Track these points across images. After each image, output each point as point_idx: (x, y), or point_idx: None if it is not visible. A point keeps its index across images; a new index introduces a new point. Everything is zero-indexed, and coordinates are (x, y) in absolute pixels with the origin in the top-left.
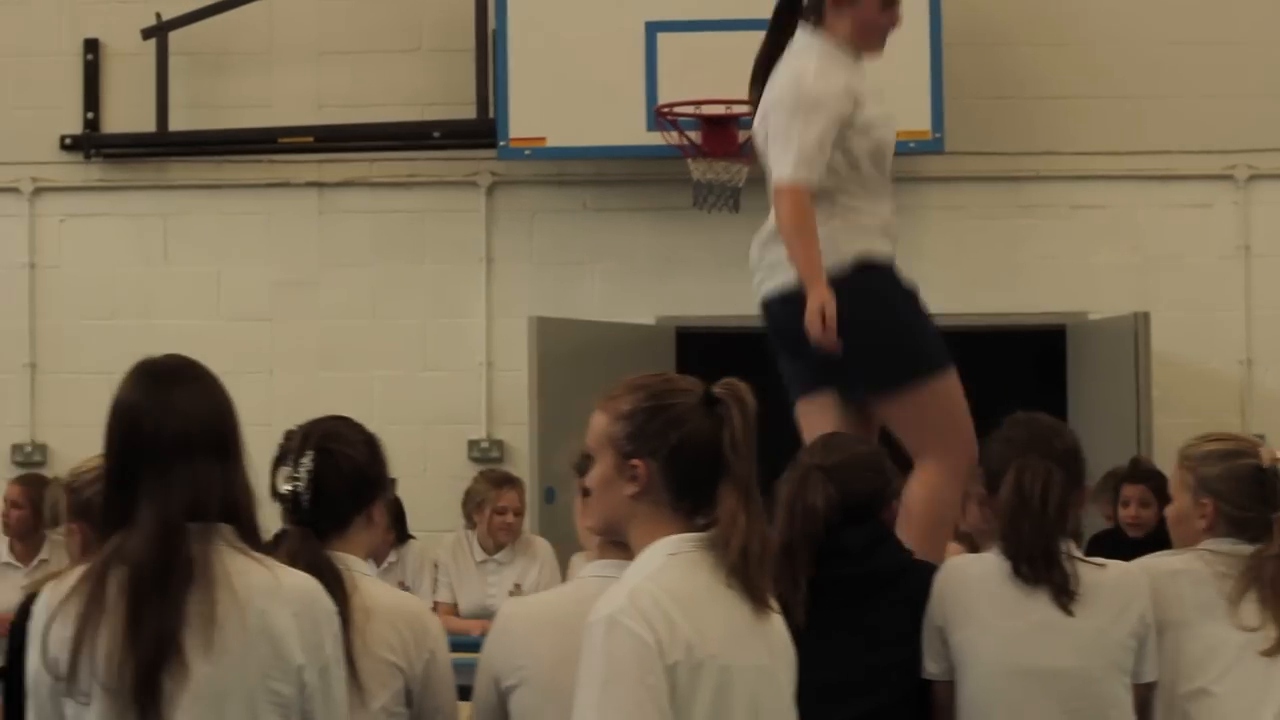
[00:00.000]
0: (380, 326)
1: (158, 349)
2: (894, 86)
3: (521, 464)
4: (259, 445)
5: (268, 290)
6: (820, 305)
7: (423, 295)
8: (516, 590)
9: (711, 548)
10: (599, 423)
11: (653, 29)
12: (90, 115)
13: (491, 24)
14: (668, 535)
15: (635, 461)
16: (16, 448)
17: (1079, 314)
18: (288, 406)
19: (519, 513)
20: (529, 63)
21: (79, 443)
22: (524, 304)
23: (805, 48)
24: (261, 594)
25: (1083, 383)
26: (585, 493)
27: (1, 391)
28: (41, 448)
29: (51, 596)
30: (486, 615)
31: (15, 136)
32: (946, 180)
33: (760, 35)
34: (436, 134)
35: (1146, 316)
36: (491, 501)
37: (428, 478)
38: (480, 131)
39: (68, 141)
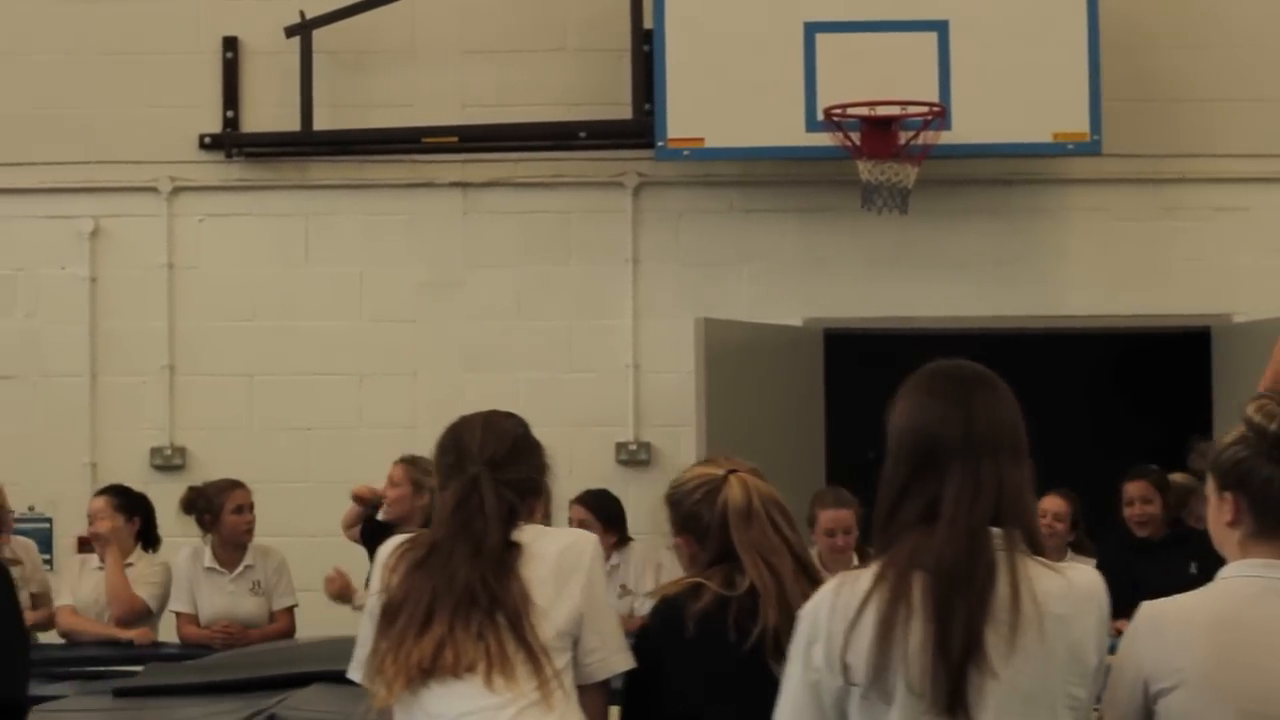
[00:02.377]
0: (525, 328)
1: (298, 351)
2: (1052, 89)
3: (669, 466)
4: (403, 448)
5: (411, 291)
6: None
7: (568, 296)
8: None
9: None
10: None
11: (811, 29)
12: (230, 114)
13: (646, 24)
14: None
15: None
16: (155, 450)
17: (1223, 316)
18: (431, 409)
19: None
20: (686, 63)
21: (218, 446)
22: (671, 305)
23: None
24: (1057, 599)
25: (1227, 385)
26: None
27: (140, 394)
28: (180, 450)
29: (840, 600)
30: None
31: (154, 135)
32: (1092, 182)
33: (917, 37)
34: (583, 134)
35: None
36: None
37: (575, 480)
38: (629, 132)
39: (207, 140)
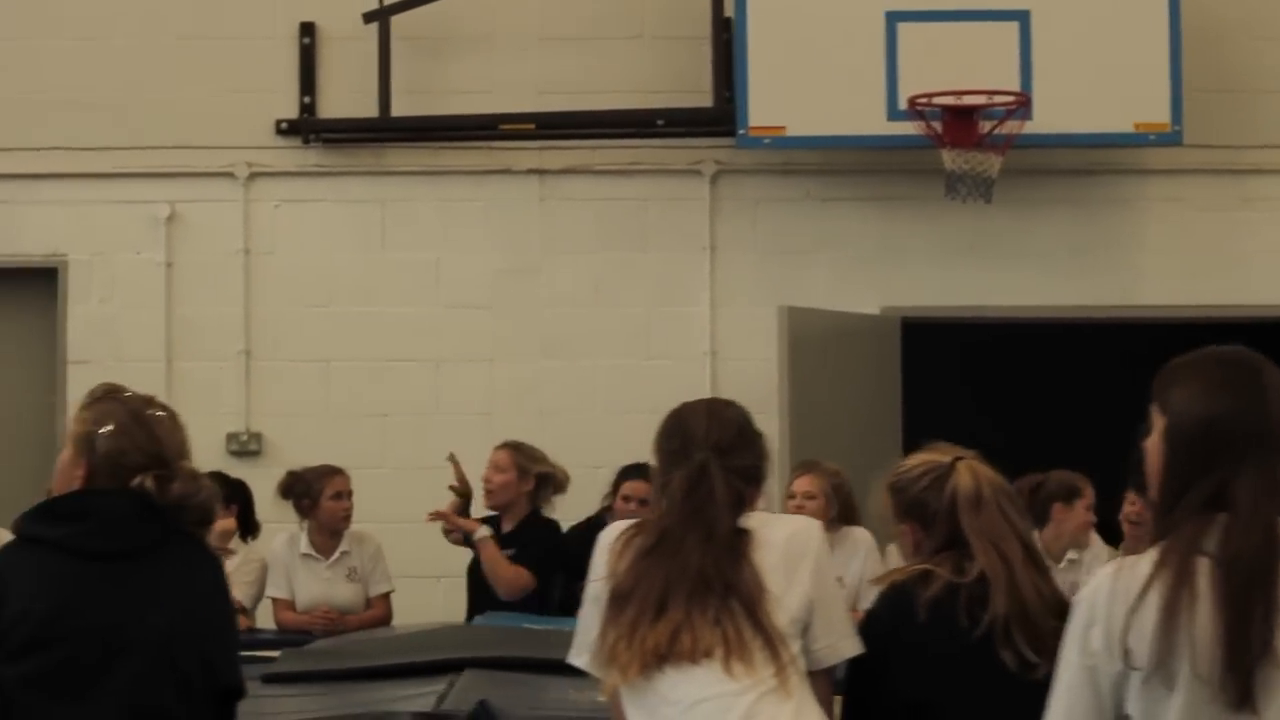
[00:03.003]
0: (603, 315)
1: (375, 337)
2: (1133, 79)
3: None
4: (480, 435)
5: (488, 278)
6: None
7: (646, 283)
8: (839, 583)
9: None
10: None
11: (893, 18)
12: (306, 99)
13: (726, 12)
14: None
15: None
16: (231, 436)
17: None
18: (508, 396)
19: (810, 497)
20: (768, 52)
21: (294, 431)
22: (748, 293)
23: None
24: None
25: None
26: None
27: (216, 379)
28: (256, 436)
29: (1120, 584)
30: None
31: (230, 120)
32: (1170, 173)
33: (999, 26)
34: (661, 121)
35: None
36: (786, 487)
37: None
38: (708, 119)
39: (283, 126)
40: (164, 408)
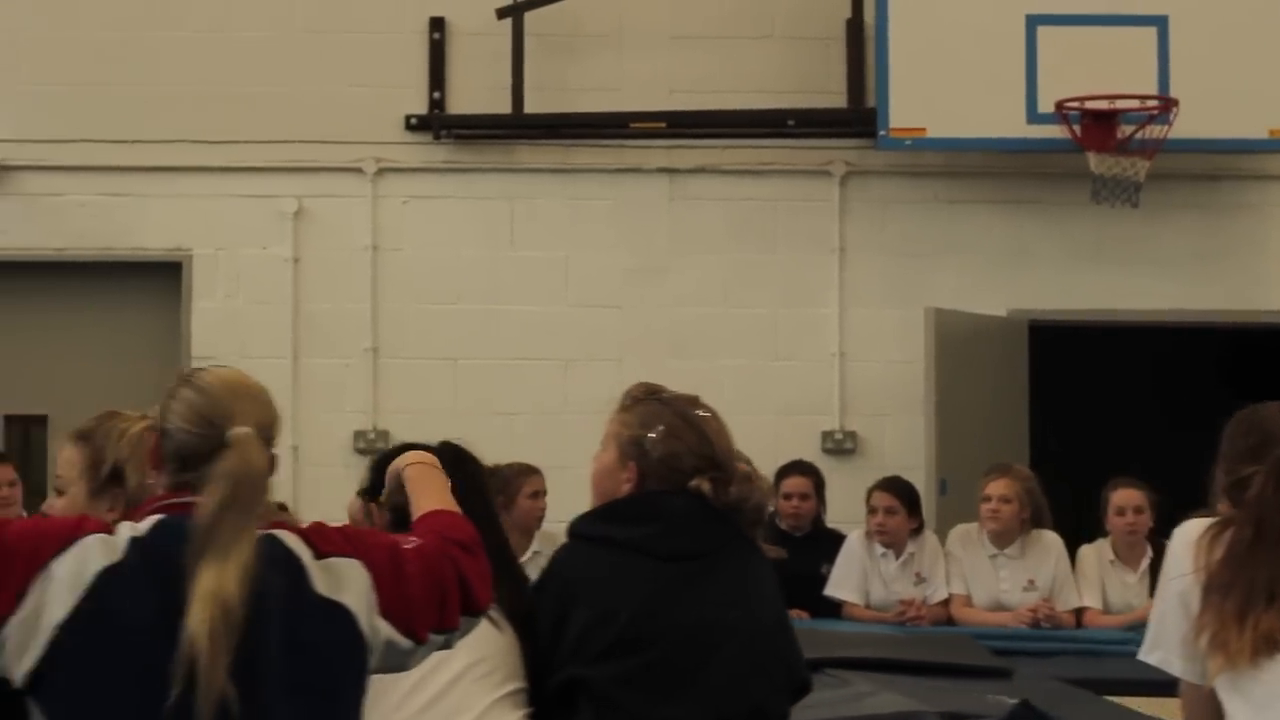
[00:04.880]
0: (731, 315)
1: (503, 335)
2: (1270, 85)
3: (874, 455)
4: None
5: (617, 277)
6: None
7: (774, 284)
8: (1030, 586)
9: None
10: None
11: (1033, 22)
12: (436, 95)
13: (864, 15)
14: None
15: None
16: (359, 434)
17: None
18: None
19: (1006, 500)
20: (909, 53)
21: (422, 429)
22: (876, 295)
23: None
24: None
25: None
26: None
27: (343, 377)
28: (384, 434)
29: None
30: (999, 608)
31: (359, 116)
32: None
33: (1137, 31)
34: (791, 122)
35: None
36: (980, 490)
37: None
38: (839, 120)
39: (413, 121)
40: (707, 408)
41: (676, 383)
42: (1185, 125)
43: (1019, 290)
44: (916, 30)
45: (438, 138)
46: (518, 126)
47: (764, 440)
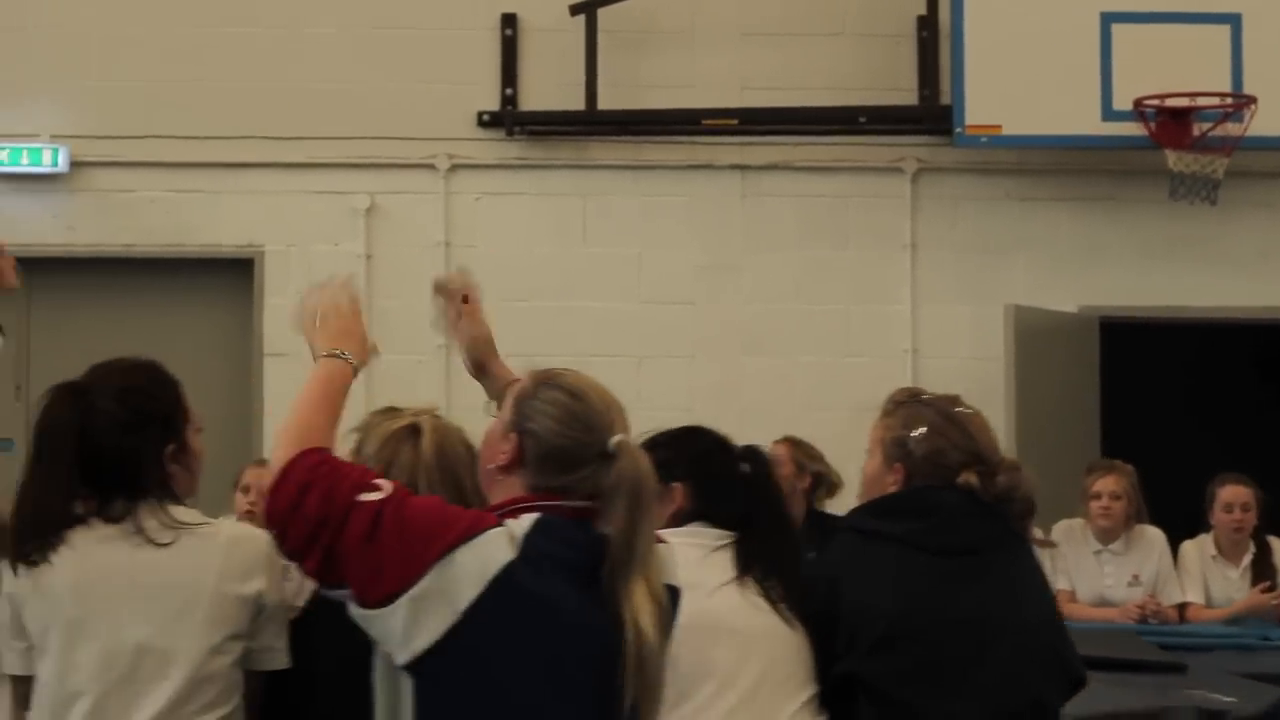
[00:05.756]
0: (803, 312)
1: (576, 332)
2: None
3: None
4: None
5: (690, 274)
6: None
7: (846, 281)
8: (1135, 582)
9: None
10: None
11: (1107, 19)
12: (508, 91)
13: (938, 12)
14: None
15: None
16: None
17: None
18: (708, 392)
19: (1116, 497)
20: (984, 51)
21: None
22: (948, 292)
23: None
24: None
25: None
26: None
27: (415, 373)
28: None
29: None
30: (1103, 604)
31: (431, 112)
32: None
33: (1211, 29)
34: (863, 119)
35: None
36: (1088, 487)
37: (855, 465)
38: (910, 117)
39: (485, 118)
40: (968, 406)
41: (748, 380)
42: (1259, 123)
43: (1090, 287)
44: (991, 28)
45: (510, 134)
46: (590, 123)
47: (837, 437)
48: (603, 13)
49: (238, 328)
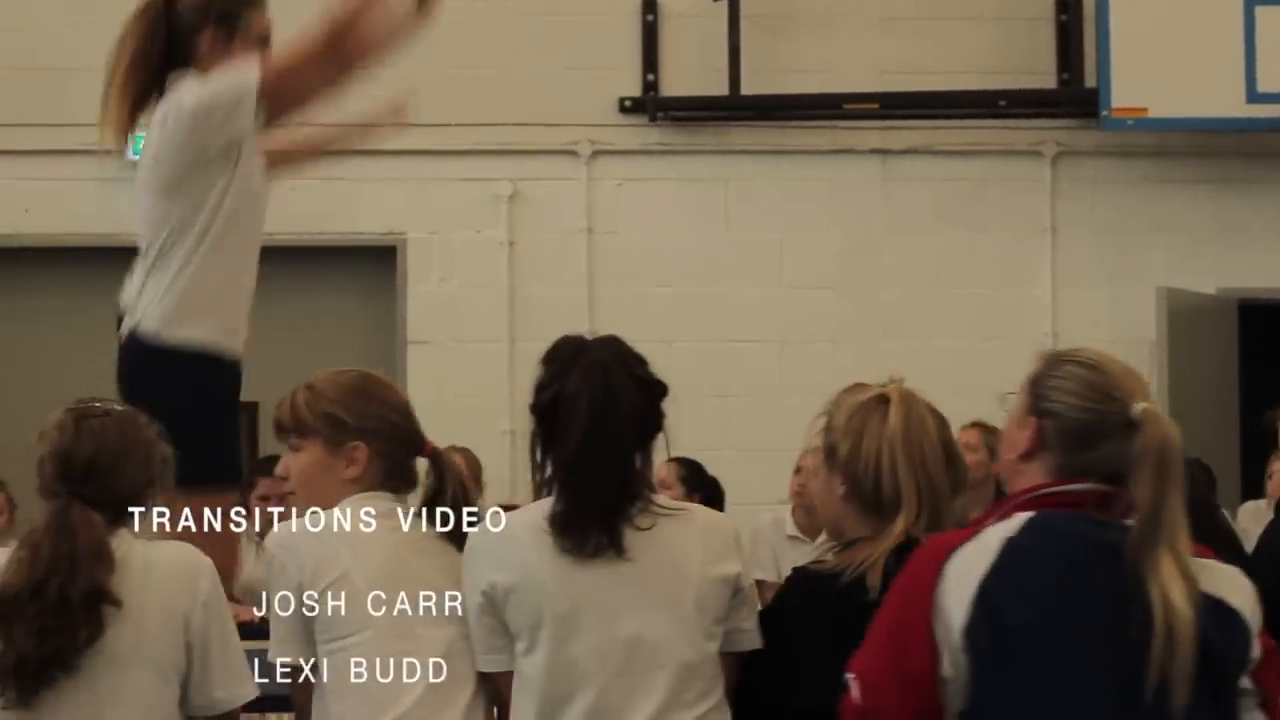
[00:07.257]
0: (943, 296)
1: (718, 318)
2: None
3: None
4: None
5: (832, 258)
6: None
7: (986, 265)
8: None
9: None
10: None
11: (1250, 3)
12: (650, 77)
13: None
14: None
15: None
16: None
17: None
18: (851, 376)
19: None
20: (1129, 34)
21: None
22: (1088, 275)
23: None
24: None
25: None
26: None
27: None
28: None
29: None
30: None
31: (573, 98)
32: None
33: None
34: (1002, 102)
35: None
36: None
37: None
38: (1049, 100)
39: (627, 104)
40: None
41: (890, 364)
42: None
43: (1228, 269)
44: (1137, 10)
45: (653, 119)
46: (732, 108)
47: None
48: None
49: (380, 315)
